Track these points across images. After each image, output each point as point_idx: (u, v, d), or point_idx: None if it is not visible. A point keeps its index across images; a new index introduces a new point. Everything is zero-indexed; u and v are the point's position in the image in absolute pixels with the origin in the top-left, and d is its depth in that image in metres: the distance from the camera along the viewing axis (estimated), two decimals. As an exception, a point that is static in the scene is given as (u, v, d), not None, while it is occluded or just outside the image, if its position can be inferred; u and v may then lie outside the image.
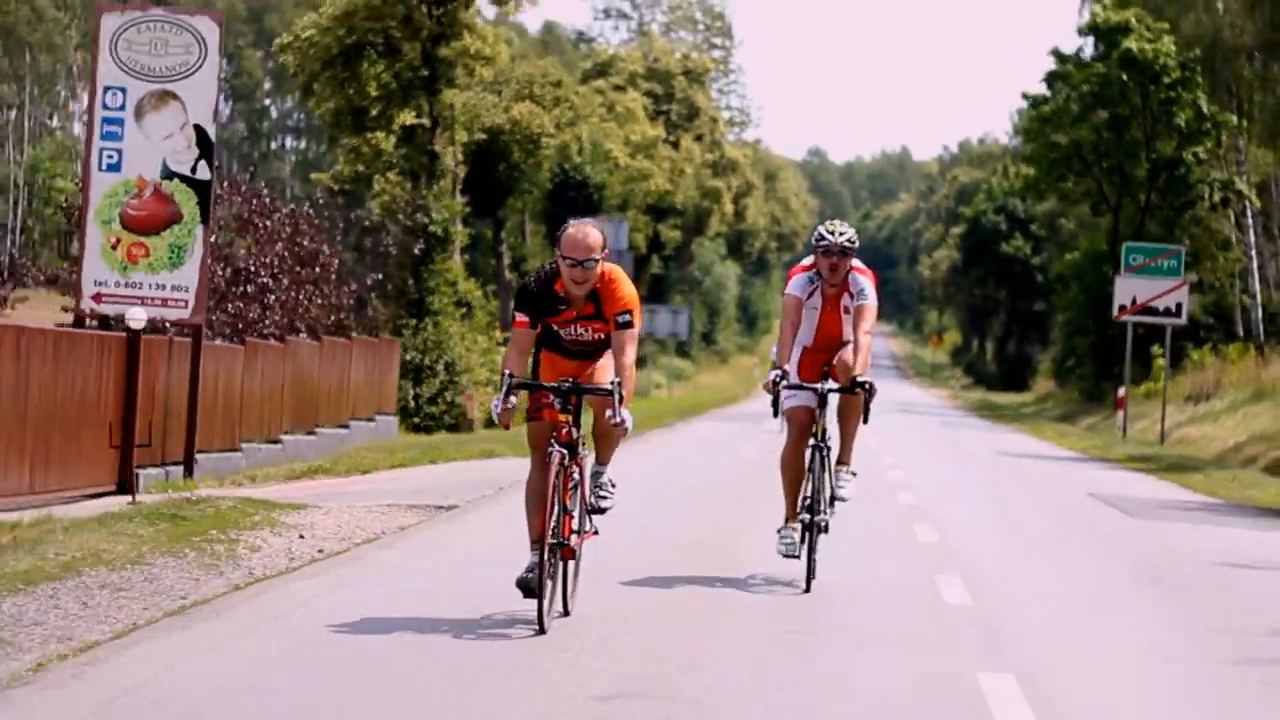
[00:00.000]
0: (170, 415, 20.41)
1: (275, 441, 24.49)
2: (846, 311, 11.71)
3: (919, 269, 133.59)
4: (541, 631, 9.14)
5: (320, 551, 12.66)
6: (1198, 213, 53.80)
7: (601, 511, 10.00)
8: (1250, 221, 54.00)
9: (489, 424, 34.27)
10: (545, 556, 9.28)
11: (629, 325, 9.49)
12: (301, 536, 13.46)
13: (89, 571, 10.73)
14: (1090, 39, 53.78)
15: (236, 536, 12.89)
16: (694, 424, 40.40)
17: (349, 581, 11.19)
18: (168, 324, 21.10)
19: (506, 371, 9.41)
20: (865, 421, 11.65)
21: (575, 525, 9.66)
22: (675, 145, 67.68)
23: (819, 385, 11.52)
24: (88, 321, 20.25)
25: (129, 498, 18.02)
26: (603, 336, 9.66)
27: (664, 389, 64.93)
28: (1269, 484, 26.08)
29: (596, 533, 10.00)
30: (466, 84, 40.30)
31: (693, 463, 25.67)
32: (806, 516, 11.60)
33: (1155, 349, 48.26)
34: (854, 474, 12.22)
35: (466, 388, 35.93)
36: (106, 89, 20.38)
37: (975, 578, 12.60)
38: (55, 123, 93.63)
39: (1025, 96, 55.71)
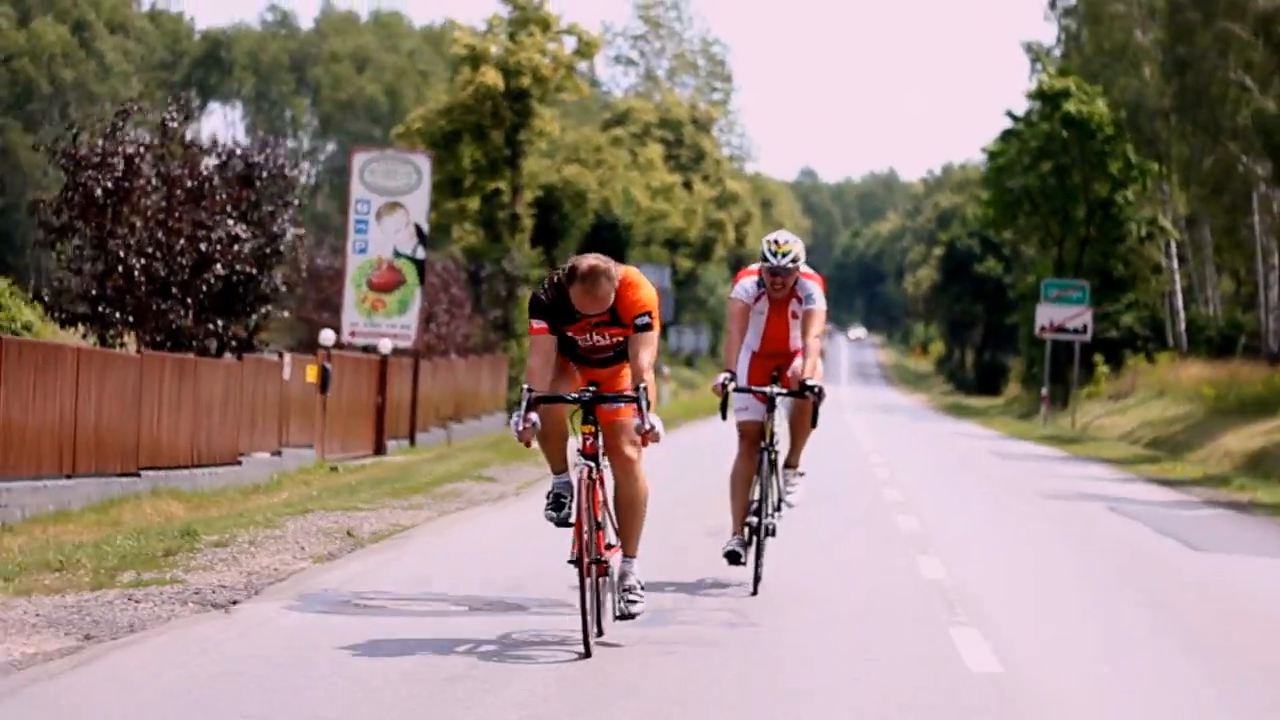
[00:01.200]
0: (400, 407, 32.10)
1: (443, 427, 36.12)
2: (795, 316, 11.73)
3: (904, 285, 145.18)
4: (587, 654, 8.97)
5: (500, 496, 19.66)
6: (1129, 245, 65.42)
7: (631, 617, 9.47)
8: (1173, 250, 65.60)
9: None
10: (582, 576, 8.96)
11: (648, 328, 9.22)
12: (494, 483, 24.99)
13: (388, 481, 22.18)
14: (1038, 102, 65.42)
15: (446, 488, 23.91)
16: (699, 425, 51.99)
17: (511, 508, 18.07)
18: (395, 350, 32.78)
19: (526, 386, 9.10)
20: (814, 425, 11.77)
21: (609, 539, 9.30)
22: (689, 187, 79.26)
23: (768, 389, 11.61)
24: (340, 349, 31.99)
25: (382, 457, 29.73)
26: (621, 340, 9.36)
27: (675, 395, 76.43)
28: (1121, 450, 37.93)
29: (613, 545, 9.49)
30: (532, 154, 51.89)
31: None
32: (754, 520, 11.67)
33: (1098, 358, 60.30)
34: (802, 474, 12.29)
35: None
36: (357, 200, 32.07)
37: (911, 492, 23.38)
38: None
39: (984, 150, 67.48)
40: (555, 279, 9.27)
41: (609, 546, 9.26)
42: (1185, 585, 13.95)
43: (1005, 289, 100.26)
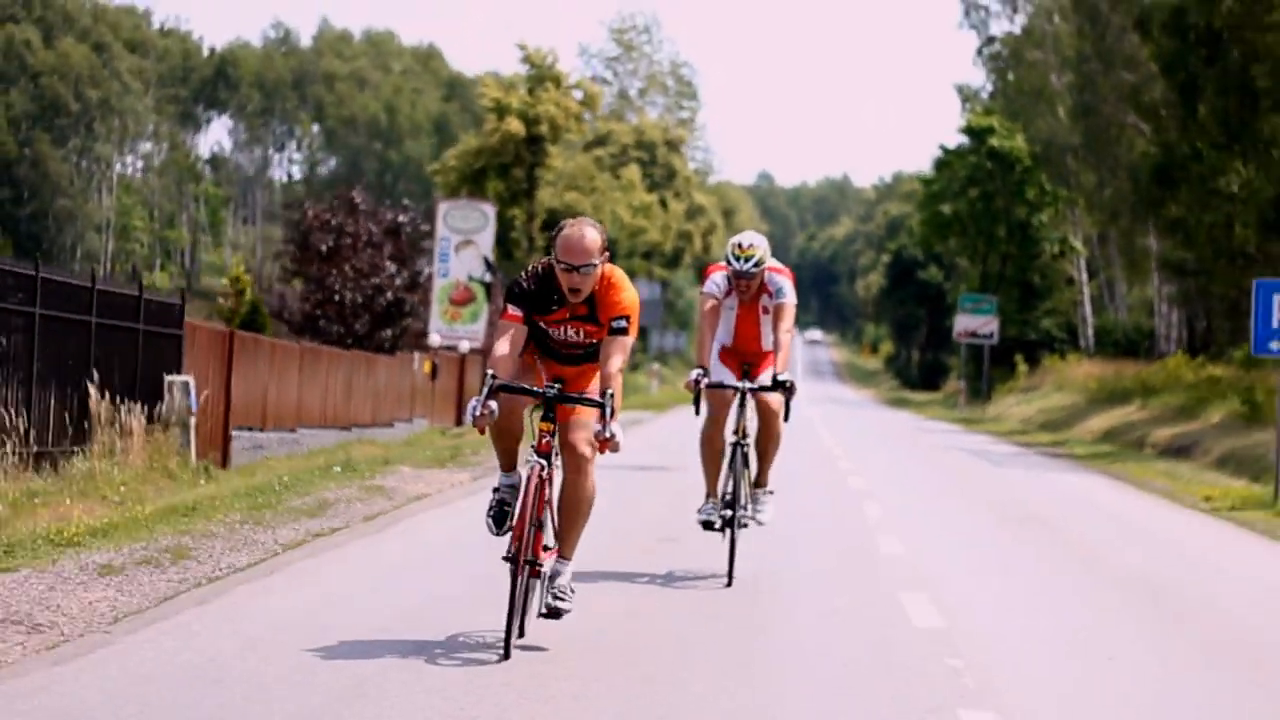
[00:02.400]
0: (470, 390, 43.60)
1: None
2: (765, 311, 11.87)
3: (856, 288, 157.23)
4: (506, 657, 8.65)
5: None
6: (1044, 260, 77.40)
7: (558, 615, 9.17)
8: (1082, 265, 77.57)
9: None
10: (515, 574, 8.69)
11: (623, 332, 8.94)
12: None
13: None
14: (966, 137, 77.33)
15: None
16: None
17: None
18: (470, 349, 44.26)
19: (489, 372, 8.84)
20: (786, 419, 12.02)
21: (547, 541, 9.03)
22: (664, 205, 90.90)
23: (740, 384, 11.84)
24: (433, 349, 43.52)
25: (461, 427, 41.24)
26: (594, 342, 9.10)
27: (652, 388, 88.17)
28: (1011, 428, 49.79)
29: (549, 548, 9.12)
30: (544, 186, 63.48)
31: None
32: (728, 512, 12.02)
33: (1018, 357, 72.37)
34: (771, 492, 12.52)
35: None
36: (441, 238, 43.52)
37: (859, 460, 35.42)
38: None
39: (920, 179, 79.38)
40: (539, 268, 9.04)
41: (546, 548, 9.00)
42: (984, 482, 25.68)
43: (945, 295, 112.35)
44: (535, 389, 8.96)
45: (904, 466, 28.85)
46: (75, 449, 18.76)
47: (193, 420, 21.21)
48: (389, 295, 33.75)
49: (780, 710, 7.90)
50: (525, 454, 9.04)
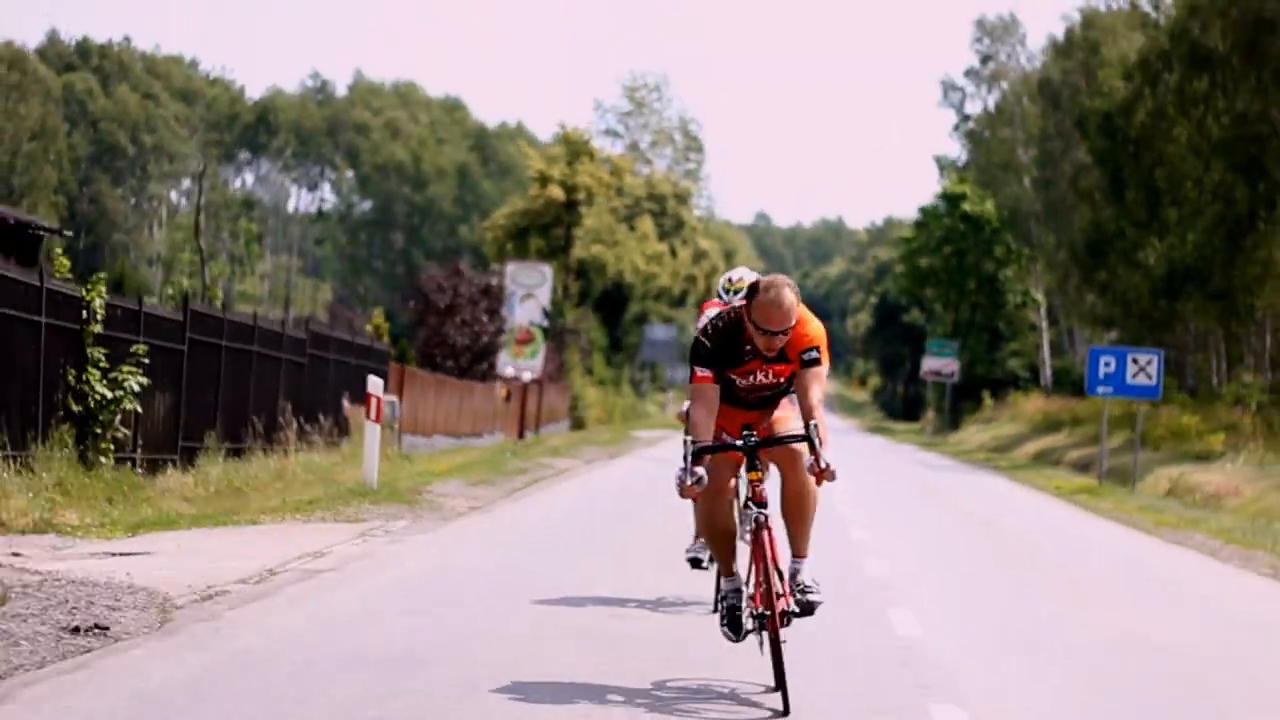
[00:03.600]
0: (528, 413, 55.69)
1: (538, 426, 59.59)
2: None
3: (847, 325, 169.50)
4: (785, 712, 8.59)
5: (589, 461, 47.45)
6: (1009, 310, 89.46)
7: (811, 610, 8.93)
8: (1043, 313, 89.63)
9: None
10: (774, 630, 8.57)
11: (816, 363, 8.83)
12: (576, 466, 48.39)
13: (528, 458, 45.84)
14: (942, 202, 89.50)
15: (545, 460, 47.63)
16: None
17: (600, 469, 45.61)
18: (530, 379, 56.21)
19: (686, 439, 8.76)
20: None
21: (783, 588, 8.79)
22: (674, 253, 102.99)
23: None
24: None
25: (522, 439, 53.29)
26: (783, 381, 9.01)
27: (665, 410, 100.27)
28: (965, 450, 61.91)
29: (787, 622, 8.83)
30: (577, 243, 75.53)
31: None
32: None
33: (985, 393, 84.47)
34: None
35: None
36: (509, 292, 55.45)
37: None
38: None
39: (901, 239, 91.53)
40: (722, 322, 8.86)
41: (789, 595, 8.78)
42: (916, 477, 37.57)
43: (926, 335, 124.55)
44: (735, 443, 8.84)
45: (865, 469, 40.83)
46: (342, 440, 30.72)
47: (396, 425, 33.14)
48: (484, 339, 45.75)
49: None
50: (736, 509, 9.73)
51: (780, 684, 8.58)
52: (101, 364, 20.24)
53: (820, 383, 8.83)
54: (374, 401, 22.12)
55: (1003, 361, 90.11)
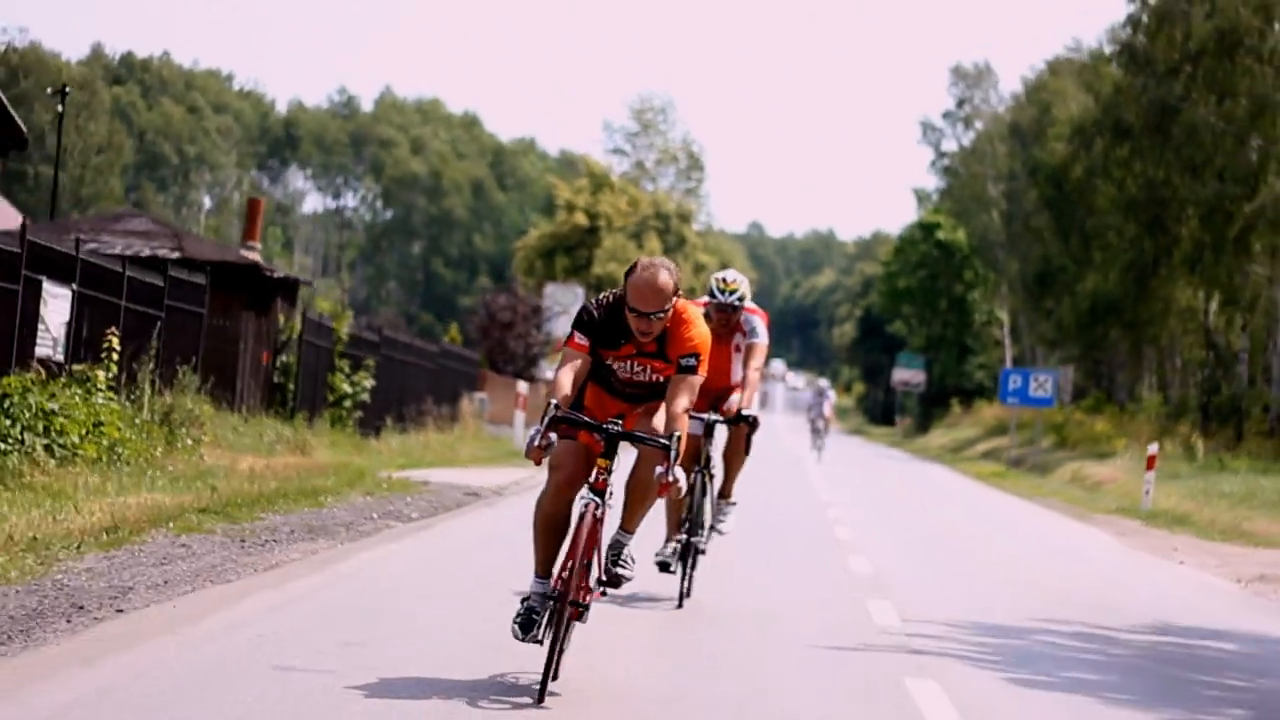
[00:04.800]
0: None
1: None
2: (738, 350, 12.75)
3: (834, 334, 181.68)
4: (539, 701, 8.54)
5: None
6: (975, 327, 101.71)
7: (618, 584, 9.18)
8: (1006, 330, 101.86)
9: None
10: (559, 614, 8.55)
11: (692, 370, 8.72)
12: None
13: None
14: (919, 230, 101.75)
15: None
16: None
17: None
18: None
19: (552, 401, 8.56)
20: (747, 453, 13.12)
21: (591, 583, 8.78)
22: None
23: (705, 415, 12.58)
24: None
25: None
26: (660, 380, 8.90)
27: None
28: (929, 448, 74.18)
29: (604, 593, 9.17)
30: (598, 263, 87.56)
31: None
32: (684, 537, 12.70)
33: (954, 400, 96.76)
34: (734, 503, 13.43)
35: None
36: (549, 309, 67.44)
37: (824, 466, 59.39)
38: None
39: (881, 262, 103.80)
40: (609, 298, 8.83)
41: (589, 589, 8.70)
42: (875, 464, 49.70)
43: (905, 347, 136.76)
44: (597, 423, 8.66)
45: (839, 460, 52.88)
46: (454, 424, 42.83)
47: (485, 414, 45.20)
48: (534, 349, 57.76)
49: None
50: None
51: (547, 669, 8.49)
52: (345, 369, 32.34)
53: (691, 392, 8.65)
54: (520, 397, 34.16)
55: (970, 373, 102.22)
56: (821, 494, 30.74)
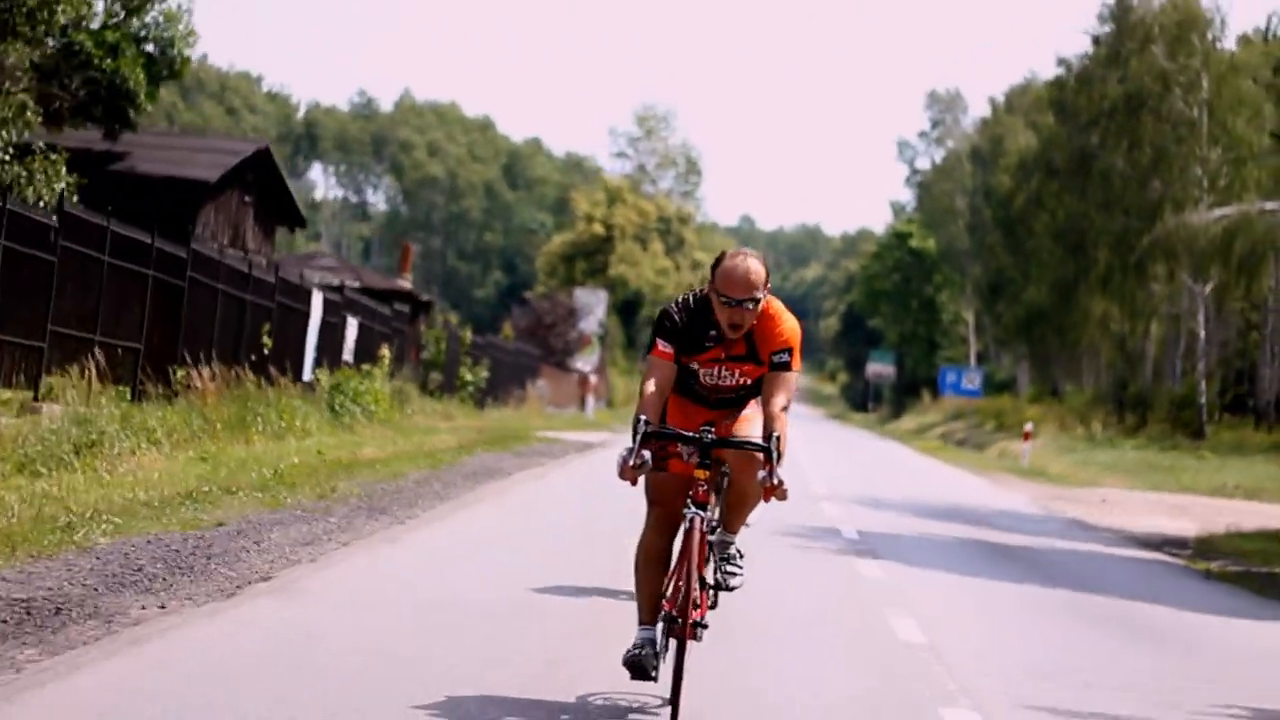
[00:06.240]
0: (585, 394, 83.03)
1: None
2: None
3: (820, 325, 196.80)
4: None
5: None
6: (943, 325, 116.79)
7: (730, 589, 8.89)
8: (971, 327, 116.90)
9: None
10: (681, 639, 8.04)
11: (786, 367, 8.39)
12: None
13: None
14: (894, 238, 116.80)
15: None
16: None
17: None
18: (590, 370, 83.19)
19: (642, 417, 8.17)
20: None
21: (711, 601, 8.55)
22: (677, 268, 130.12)
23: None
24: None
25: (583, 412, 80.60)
26: (749, 383, 8.51)
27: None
28: (897, 431, 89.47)
29: (714, 606, 8.75)
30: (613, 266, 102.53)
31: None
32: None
33: (925, 390, 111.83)
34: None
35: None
36: (579, 310, 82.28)
37: (805, 443, 74.73)
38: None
39: (860, 266, 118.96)
40: (689, 298, 8.44)
41: (711, 606, 8.51)
42: (844, 439, 64.70)
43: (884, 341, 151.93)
44: (690, 434, 8.29)
45: (819, 439, 67.68)
46: (523, 404, 57.83)
47: (546, 398, 60.07)
48: (571, 344, 72.67)
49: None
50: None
51: (675, 698, 8.01)
52: (469, 364, 47.26)
53: (788, 390, 8.31)
54: (589, 384, 49.10)
55: (939, 366, 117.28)
56: (802, 464, 45.57)
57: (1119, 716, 9.77)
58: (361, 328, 35.55)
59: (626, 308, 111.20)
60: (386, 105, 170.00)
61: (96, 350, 22.04)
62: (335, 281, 44.33)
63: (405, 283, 46.79)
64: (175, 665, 8.68)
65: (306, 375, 31.49)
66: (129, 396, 23.11)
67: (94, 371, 21.56)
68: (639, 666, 8.22)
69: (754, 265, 8.25)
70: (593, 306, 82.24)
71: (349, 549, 14.28)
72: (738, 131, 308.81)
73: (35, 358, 20.48)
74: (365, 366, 34.63)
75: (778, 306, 8.42)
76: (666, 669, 8.21)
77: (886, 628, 12.50)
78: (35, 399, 20.18)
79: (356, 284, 44.28)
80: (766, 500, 8.26)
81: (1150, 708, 10.16)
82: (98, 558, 11.81)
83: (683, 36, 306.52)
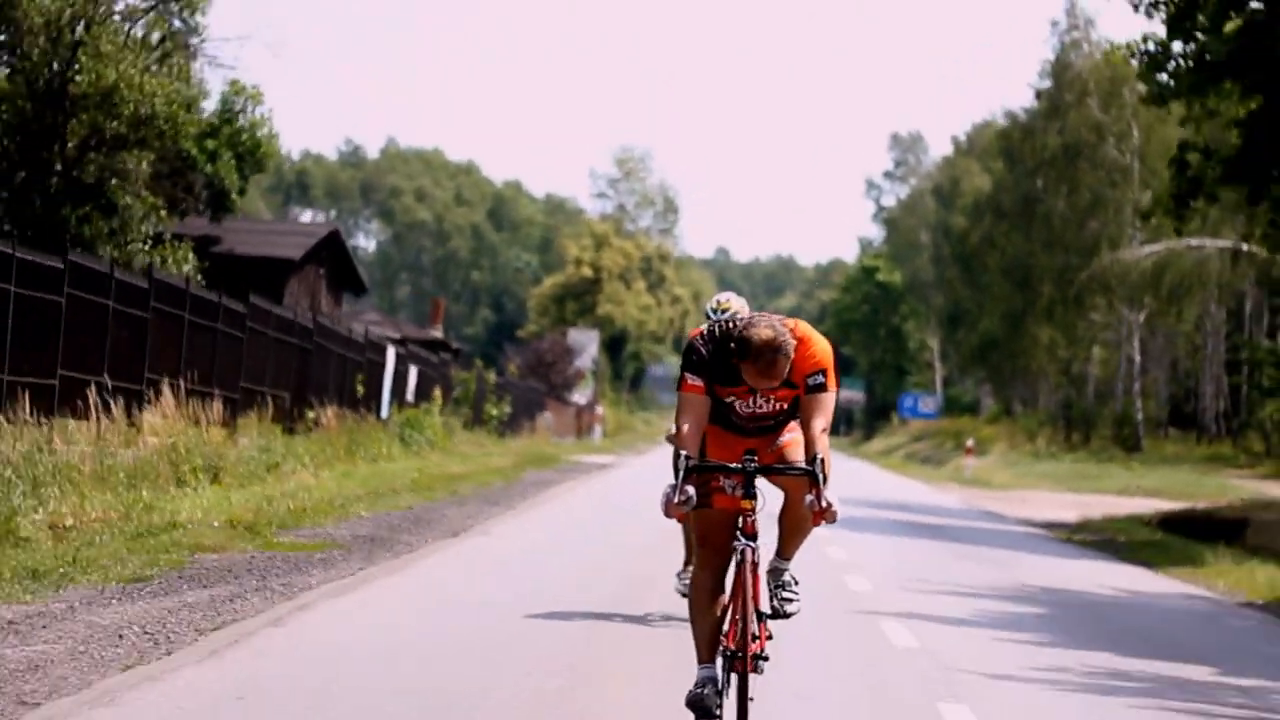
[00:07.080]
0: (581, 424, 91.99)
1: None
2: None
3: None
4: None
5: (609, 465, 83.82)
6: (910, 353, 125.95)
7: (786, 616, 8.82)
8: (936, 355, 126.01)
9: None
10: (744, 674, 8.13)
11: (822, 388, 8.25)
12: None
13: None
14: (862, 271, 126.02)
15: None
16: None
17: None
18: (584, 403, 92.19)
19: (683, 453, 8.09)
20: None
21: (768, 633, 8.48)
22: (659, 304, 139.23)
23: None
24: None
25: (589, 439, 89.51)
26: (785, 407, 8.44)
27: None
28: (868, 452, 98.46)
29: (770, 637, 8.61)
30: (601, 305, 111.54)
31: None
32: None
33: (894, 413, 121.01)
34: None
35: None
36: (573, 348, 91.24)
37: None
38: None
39: (833, 300, 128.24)
40: (716, 331, 8.25)
41: (769, 637, 8.48)
42: (836, 465, 73.77)
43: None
44: (734, 466, 8.26)
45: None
46: (534, 433, 66.86)
47: (551, 428, 68.99)
48: (569, 380, 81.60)
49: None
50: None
51: None
52: (494, 400, 56.15)
53: (826, 411, 8.22)
54: (596, 416, 58.03)
55: (907, 391, 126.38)
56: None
57: (949, 592, 18.61)
58: (420, 374, 44.40)
59: (613, 344, 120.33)
60: (373, 152, 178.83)
61: (267, 396, 30.93)
62: (383, 334, 53.18)
63: (437, 332, 55.67)
64: (457, 560, 17.67)
65: (384, 413, 40.35)
66: (282, 431, 31.94)
67: (270, 413, 30.45)
68: (702, 706, 8.22)
69: (768, 333, 7.89)
70: (585, 345, 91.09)
71: (497, 519, 23.29)
72: (712, 168, 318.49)
73: (233, 405, 29.35)
74: (424, 405, 43.40)
75: (806, 329, 8.23)
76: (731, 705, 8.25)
77: (823, 554, 21.33)
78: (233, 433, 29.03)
79: (398, 336, 53.00)
80: (816, 524, 8.28)
81: (963, 589, 19.07)
82: (371, 522, 20.68)
83: (659, 79, 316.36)
